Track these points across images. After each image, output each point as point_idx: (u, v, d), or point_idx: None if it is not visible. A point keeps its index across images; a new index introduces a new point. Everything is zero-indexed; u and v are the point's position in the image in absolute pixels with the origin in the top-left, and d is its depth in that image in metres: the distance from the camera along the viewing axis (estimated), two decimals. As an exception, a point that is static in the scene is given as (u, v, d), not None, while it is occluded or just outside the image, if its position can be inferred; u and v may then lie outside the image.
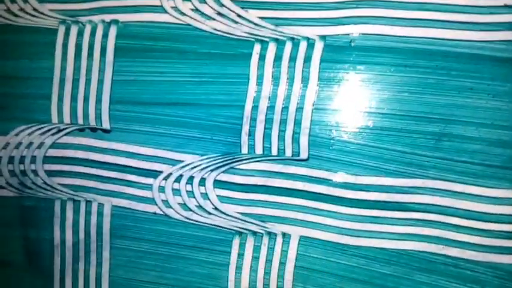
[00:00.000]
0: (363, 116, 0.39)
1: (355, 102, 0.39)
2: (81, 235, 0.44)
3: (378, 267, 0.40)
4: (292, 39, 0.39)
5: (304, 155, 0.40)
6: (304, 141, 0.39)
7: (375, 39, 0.38)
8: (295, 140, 0.40)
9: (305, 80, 0.39)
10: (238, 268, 0.42)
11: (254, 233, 0.41)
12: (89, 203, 0.43)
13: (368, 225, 0.40)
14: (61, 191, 0.43)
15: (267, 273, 0.41)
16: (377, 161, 0.39)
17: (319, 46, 0.38)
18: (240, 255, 0.42)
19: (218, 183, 0.41)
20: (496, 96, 0.37)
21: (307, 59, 0.39)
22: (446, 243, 0.39)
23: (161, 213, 0.42)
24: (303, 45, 0.39)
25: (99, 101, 0.42)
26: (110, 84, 0.42)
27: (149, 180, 0.42)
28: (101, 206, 0.43)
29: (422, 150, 0.38)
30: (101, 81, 0.42)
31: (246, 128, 0.40)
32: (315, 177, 0.40)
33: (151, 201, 0.42)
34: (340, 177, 0.39)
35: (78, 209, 0.44)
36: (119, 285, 0.43)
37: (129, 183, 0.42)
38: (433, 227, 0.39)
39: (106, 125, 0.42)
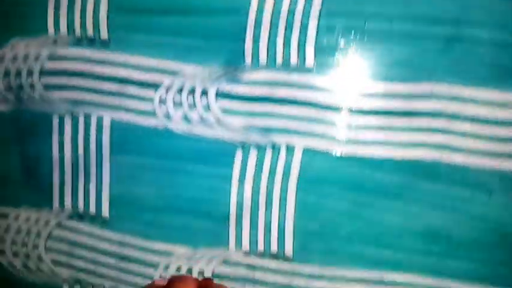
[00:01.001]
0: (371, 20, 0.38)
1: (362, 6, 0.38)
2: (80, 150, 0.43)
3: (381, 176, 0.39)
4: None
5: (310, 63, 0.39)
6: (310, 49, 0.38)
7: None
8: (301, 47, 0.39)
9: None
10: (241, 181, 0.41)
11: (257, 145, 0.41)
12: (87, 117, 0.42)
13: (373, 134, 0.39)
14: (59, 105, 0.43)
15: (270, 185, 0.41)
16: (385, 67, 0.38)
17: None
18: (243, 168, 0.41)
19: (220, 95, 0.40)
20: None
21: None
22: (452, 149, 0.38)
23: (162, 126, 0.41)
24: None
25: (97, 9, 0.41)
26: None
27: (150, 93, 0.41)
28: (100, 120, 0.42)
29: (432, 53, 0.37)
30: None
31: (250, 35, 0.38)
32: (320, 87, 0.39)
33: (152, 114, 0.41)
34: (346, 85, 0.38)
35: (76, 123, 0.43)
36: (119, 201, 0.43)
37: (129, 96, 0.42)
38: (439, 133, 0.38)
39: (104, 35, 0.41)
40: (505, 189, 0.38)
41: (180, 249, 0.42)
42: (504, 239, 0.38)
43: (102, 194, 0.43)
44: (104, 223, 0.43)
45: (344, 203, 0.40)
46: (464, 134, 0.38)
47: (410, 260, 0.40)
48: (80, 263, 0.44)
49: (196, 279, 0.30)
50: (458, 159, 0.38)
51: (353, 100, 0.39)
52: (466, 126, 0.38)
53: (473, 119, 0.38)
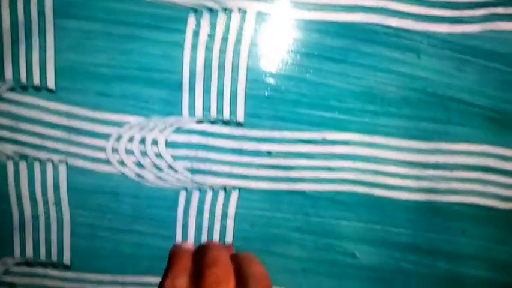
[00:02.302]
0: None
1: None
2: (20, 16, 0.40)
3: (329, 41, 0.42)
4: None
5: None
6: None
7: None
8: None
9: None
10: (194, 48, 0.41)
11: (210, 9, 0.40)
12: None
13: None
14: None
15: (222, 51, 0.41)
16: None
17: None
18: (196, 34, 0.41)
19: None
20: None
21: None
22: (388, 13, 0.41)
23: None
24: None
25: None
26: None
27: None
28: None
29: None
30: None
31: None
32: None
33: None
34: None
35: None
36: (66, 69, 0.41)
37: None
38: None
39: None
40: (432, 51, 0.42)
41: (133, 119, 0.42)
42: (429, 97, 0.43)
43: (46, 63, 0.40)
44: (49, 95, 0.41)
45: (293, 67, 0.42)
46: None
47: (349, 120, 0.43)
48: (25, 138, 0.42)
49: (226, 248, 0.31)
50: (393, 23, 0.42)
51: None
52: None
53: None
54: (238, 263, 0.29)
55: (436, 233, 0.45)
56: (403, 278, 0.46)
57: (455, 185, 0.44)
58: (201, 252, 0.30)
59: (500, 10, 0.41)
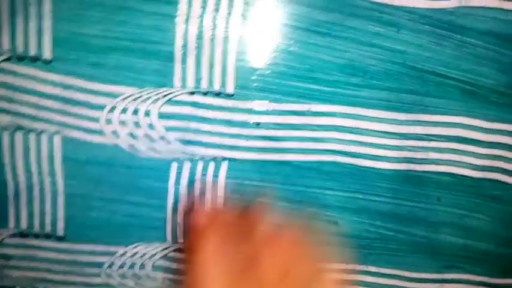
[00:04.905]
0: None
1: None
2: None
3: (316, 15, 0.43)
4: None
5: None
6: None
7: None
8: None
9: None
10: (187, 20, 0.42)
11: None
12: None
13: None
14: None
15: (214, 23, 0.42)
16: None
17: None
18: (188, 6, 0.42)
19: None
20: None
21: None
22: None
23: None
24: None
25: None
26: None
27: None
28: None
29: None
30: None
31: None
32: None
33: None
34: None
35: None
36: (62, 40, 0.41)
37: None
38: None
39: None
40: (411, 25, 0.44)
41: (126, 90, 0.43)
42: (409, 71, 0.45)
43: (43, 33, 0.41)
44: (46, 65, 0.41)
45: (281, 40, 0.43)
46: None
47: (334, 92, 0.45)
48: (21, 108, 0.42)
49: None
50: (375, -2, 0.43)
51: None
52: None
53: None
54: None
55: (414, 201, 0.47)
56: (382, 244, 0.48)
57: (432, 155, 0.46)
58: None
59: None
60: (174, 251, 0.46)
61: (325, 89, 0.44)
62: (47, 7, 0.40)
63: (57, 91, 0.42)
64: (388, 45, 0.43)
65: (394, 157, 0.46)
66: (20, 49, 0.40)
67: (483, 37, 0.44)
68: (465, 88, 0.45)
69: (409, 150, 0.46)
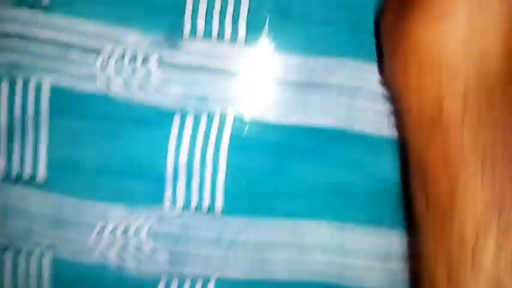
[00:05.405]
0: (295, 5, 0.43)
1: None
2: (17, 112, 0.42)
3: (297, 141, 0.45)
4: None
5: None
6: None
7: None
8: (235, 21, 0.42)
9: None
10: (178, 145, 0.43)
11: (194, 112, 0.43)
12: (26, 82, 0.41)
13: (291, 103, 0.44)
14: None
15: (204, 148, 0.44)
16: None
17: None
18: (180, 133, 0.43)
19: (161, 63, 0.42)
20: None
21: None
22: (352, 120, 0.45)
23: (103, 91, 0.42)
24: None
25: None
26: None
27: (91, 59, 0.42)
28: (39, 83, 0.42)
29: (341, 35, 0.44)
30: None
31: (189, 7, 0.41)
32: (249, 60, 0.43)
33: (92, 79, 0.42)
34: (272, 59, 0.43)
35: (13, 87, 0.41)
36: (56, 163, 0.43)
37: (71, 61, 0.42)
38: (343, 107, 0.45)
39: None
40: (394, 152, 0.46)
41: (117, 210, 0.44)
42: (391, 192, 0.46)
43: (39, 156, 0.42)
44: (40, 186, 0.43)
45: (266, 164, 0.45)
46: (363, 108, 0.45)
47: (319, 212, 0.46)
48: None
49: None
50: (357, 127, 0.46)
51: (274, 73, 0.44)
52: (366, 101, 0.45)
53: (372, 95, 0.45)
54: None
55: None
56: None
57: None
58: None
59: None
60: None
61: (311, 207, 0.45)
62: (44, 132, 0.41)
63: (50, 210, 0.42)
64: (368, 168, 0.45)
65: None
66: (15, 170, 0.42)
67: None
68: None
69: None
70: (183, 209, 0.44)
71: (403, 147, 0.39)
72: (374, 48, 0.43)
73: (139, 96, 0.42)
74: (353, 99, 0.44)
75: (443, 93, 0.26)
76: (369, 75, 0.44)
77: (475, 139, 0.26)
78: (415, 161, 0.32)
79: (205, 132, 0.43)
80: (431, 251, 0.30)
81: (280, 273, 0.45)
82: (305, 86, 0.43)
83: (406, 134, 0.34)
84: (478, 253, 0.26)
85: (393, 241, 0.46)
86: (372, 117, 0.45)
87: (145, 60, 0.42)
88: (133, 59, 0.41)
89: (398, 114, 0.36)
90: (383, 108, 0.45)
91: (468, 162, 0.26)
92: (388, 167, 0.46)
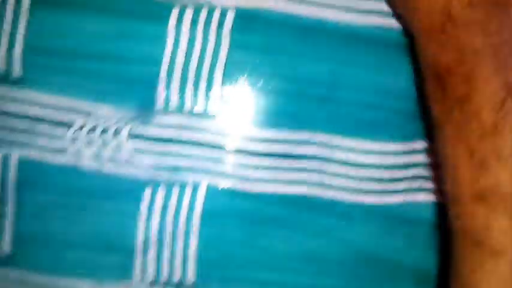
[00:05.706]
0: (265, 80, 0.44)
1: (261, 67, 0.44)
2: (-17, 188, 0.41)
3: (270, 209, 0.45)
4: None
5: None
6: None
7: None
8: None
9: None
10: (148, 217, 0.43)
11: (166, 183, 0.43)
12: (-8, 155, 0.41)
13: (263, 173, 0.44)
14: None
15: (175, 220, 0.43)
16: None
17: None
18: (151, 205, 0.43)
19: (132, 136, 0.42)
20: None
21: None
22: (325, 187, 0.45)
23: (72, 164, 0.42)
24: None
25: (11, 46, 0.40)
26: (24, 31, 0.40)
27: (62, 131, 0.41)
28: (6, 158, 0.41)
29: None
30: (15, 27, 0.40)
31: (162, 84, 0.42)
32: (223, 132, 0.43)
33: (62, 152, 0.41)
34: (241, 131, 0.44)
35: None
36: (22, 237, 0.41)
37: (40, 134, 0.41)
38: (315, 173, 0.45)
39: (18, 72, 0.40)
40: (366, 219, 0.47)
41: (85, 284, 0.42)
42: (363, 258, 0.46)
43: (4, 231, 0.41)
44: (4, 262, 0.41)
45: (239, 233, 0.45)
46: (335, 175, 0.46)
47: (293, 279, 0.46)
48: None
49: None
50: (329, 194, 0.46)
51: (249, 143, 0.44)
52: (337, 168, 0.46)
53: (343, 163, 0.46)
54: None
55: None
56: None
57: None
58: None
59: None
60: None
61: (284, 277, 0.45)
62: (11, 206, 0.40)
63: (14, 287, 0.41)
64: (342, 236, 0.45)
65: None
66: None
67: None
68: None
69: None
70: (153, 283, 0.43)
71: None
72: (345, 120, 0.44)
73: (109, 168, 0.42)
74: (324, 167, 0.45)
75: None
76: (339, 145, 0.45)
77: (485, 42, 0.28)
78: (429, 62, 0.33)
79: (176, 203, 0.43)
80: (451, 144, 0.32)
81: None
82: (277, 156, 0.44)
83: (418, 41, 0.35)
84: (498, 129, 0.28)
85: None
86: (344, 183, 0.46)
87: (116, 132, 0.41)
88: (105, 131, 0.41)
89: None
90: (355, 173, 0.46)
91: (481, 63, 0.28)
92: (361, 234, 0.46)
